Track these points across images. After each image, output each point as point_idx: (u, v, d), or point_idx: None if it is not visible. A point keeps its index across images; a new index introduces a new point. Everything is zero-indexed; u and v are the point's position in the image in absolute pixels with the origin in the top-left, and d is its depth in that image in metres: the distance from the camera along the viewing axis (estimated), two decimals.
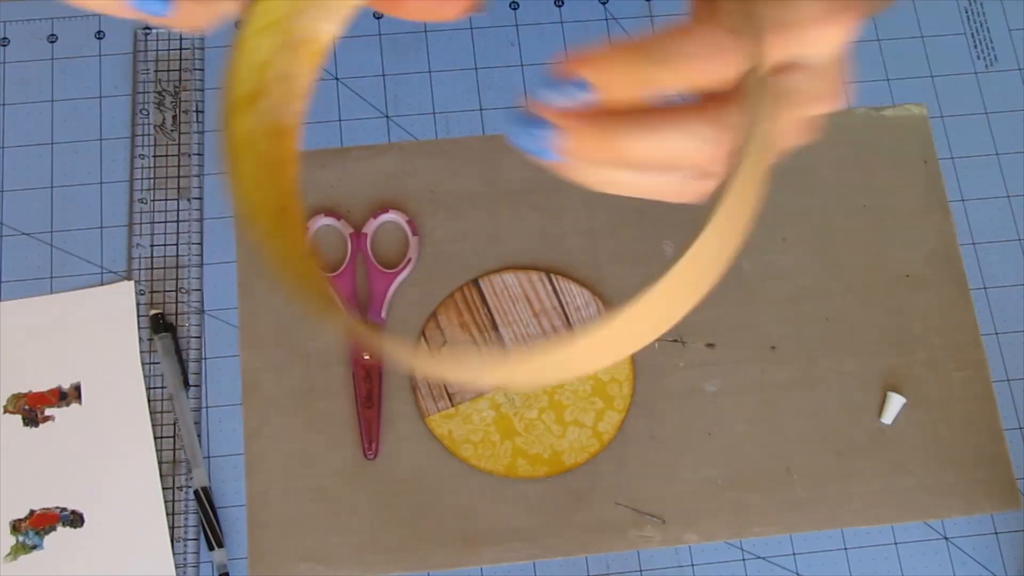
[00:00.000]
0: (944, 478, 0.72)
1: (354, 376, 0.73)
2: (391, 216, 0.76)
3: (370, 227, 0.76)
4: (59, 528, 0.69)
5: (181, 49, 0.80)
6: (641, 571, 0.70)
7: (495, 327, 0.74)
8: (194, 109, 0.79)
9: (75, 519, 0.70)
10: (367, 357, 0.73)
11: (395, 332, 0.74)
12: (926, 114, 0.81)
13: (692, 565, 0.70)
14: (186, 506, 0.70)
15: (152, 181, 0.77)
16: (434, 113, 0.79)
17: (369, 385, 0.72)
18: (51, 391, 0.72)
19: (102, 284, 0.75)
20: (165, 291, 0.75)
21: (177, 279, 0.75)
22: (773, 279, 0.76)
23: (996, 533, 0.71)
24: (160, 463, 0.71)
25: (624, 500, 0.71)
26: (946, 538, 0.71)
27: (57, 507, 0.70)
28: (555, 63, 0.37)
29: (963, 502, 0.71)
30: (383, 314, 0.74)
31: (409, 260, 0.75)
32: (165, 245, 0.76)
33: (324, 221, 0.76)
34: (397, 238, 0.77)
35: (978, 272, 0.77)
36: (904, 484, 0.72)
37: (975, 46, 0.83)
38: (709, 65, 0.37)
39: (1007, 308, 0.76)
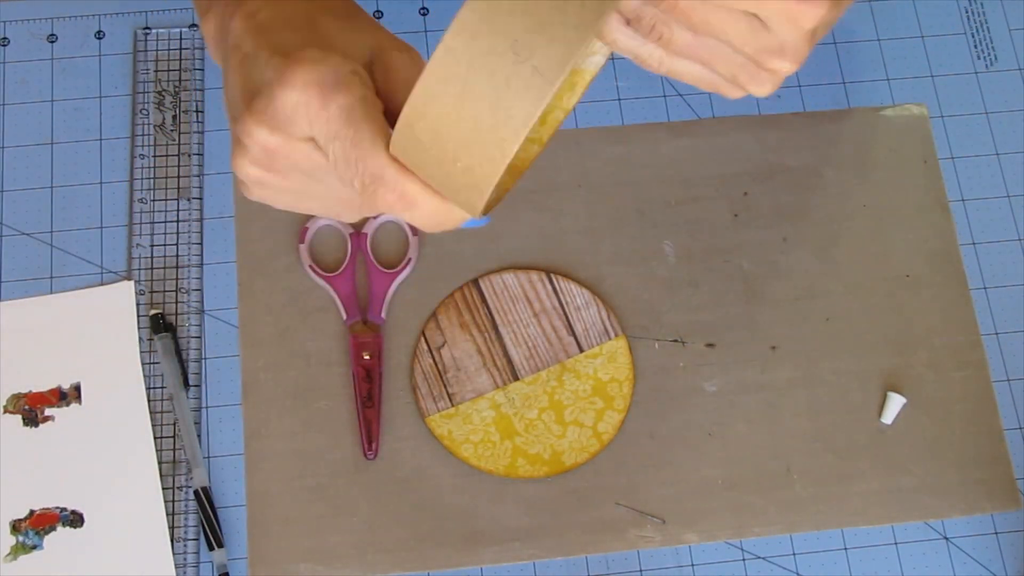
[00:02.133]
0: (944, 478, 0.72)
1: (354, 376, 0.73)
2: (391, 216, 0.76)
3: (370, 227, 0.76)
4: (59, 528, 0.69)
5: (181, 49, 0.80)
6: (641, 571, 0.70)
7: (495, 327, 0.74)
8: (194, 109, 0.79)
9: (75, 519, 0.70)
10: (367, 357, 0.73)
11: (395, 332, 0.74)
12: (926, 114, 0.81)
13: (692, 565, 0.70)
14: (186, 506, 0.70)
15: (152, 181, 0.77)
16: None
17: (369, 385, 0.72)
18: (51, 391, 0.72)
19: (102, 284, 0.75)
20: (165, 291, 0.75)
21: (177, 279, 0.75)
22: (773, 279, 0.76)
23: (996, 533, 0.71)
24: (160, 463, 0.71)
25: (624, 500, 0.71)
26: (946, 538, 0.71)
27: (57, 507, 0.70)
28: None
29: (963, 502, 0.71)
30: (383, 314, 0.74)
31: (409, 260, 0.75)
32: (165, 245, 0.76)
33: (324, 221, 0.76)
34: (397, 238, 0.77)
35: (978, 272, 0.77)
36: (904, 484, 0.72)
37: (975, 46, 0.83)
38: None
39: (1007, 308, 0.76)
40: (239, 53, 0.44)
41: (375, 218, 0.76)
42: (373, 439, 0.71)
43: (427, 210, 0.42)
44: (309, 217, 0.76)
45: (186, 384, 0.72)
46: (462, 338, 0.74)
